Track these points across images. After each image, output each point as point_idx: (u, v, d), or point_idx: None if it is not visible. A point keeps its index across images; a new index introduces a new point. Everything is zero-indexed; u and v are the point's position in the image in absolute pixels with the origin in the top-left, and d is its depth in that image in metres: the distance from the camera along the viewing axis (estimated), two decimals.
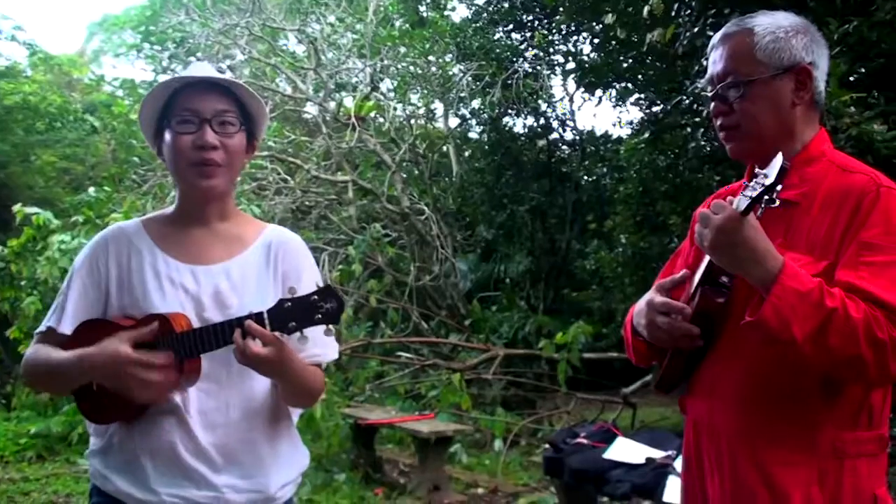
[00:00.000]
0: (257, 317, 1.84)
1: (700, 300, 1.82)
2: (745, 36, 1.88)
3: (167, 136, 2.05)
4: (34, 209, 8.71)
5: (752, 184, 1.63)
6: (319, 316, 1.81)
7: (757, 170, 1.68)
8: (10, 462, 7.82)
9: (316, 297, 1.82)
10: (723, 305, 1.82)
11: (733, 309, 1.79)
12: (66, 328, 2.02)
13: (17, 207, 8.63)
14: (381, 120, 12.30)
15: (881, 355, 1.59)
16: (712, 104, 1.94)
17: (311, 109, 12.58)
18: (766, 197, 1.61)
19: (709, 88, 1.96)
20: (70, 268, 2.14)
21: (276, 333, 1.85)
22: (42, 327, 2.07)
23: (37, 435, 8.15)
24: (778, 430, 1.76)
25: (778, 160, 1.60)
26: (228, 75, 2.37)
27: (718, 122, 1.94)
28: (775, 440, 1.76)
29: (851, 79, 5.81)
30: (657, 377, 2.03)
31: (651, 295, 1.93)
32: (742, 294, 1.76)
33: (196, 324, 1.96)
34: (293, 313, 1.82)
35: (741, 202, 1.63)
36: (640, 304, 1.96)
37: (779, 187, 1.60)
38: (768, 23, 1.88)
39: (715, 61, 1.93)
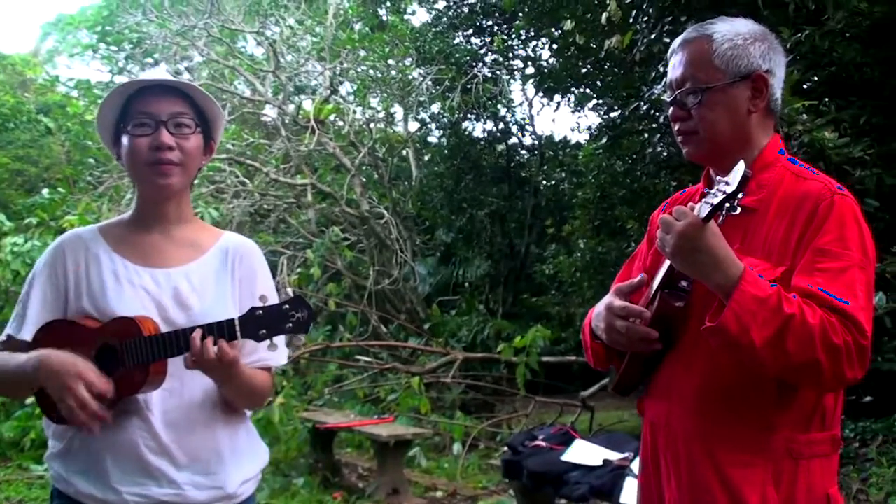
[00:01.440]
0: (228, 324, 1.86)
1: (659, 304, 1.84)
2: (704, 42, 1.91)
3: (124, 139, 2.07)
4: None
5: (713, 191, 1.65)
6: (290, 325, 1.84)
7: (718, 177, 1.70)
8: None
9: (287, 306, 1.84)
10: (682, 310, 1.84)
11: (692, 313, 1.82)
12: (27, 335, 2.02)
13: None
14: (341, 123, 12.28)
15: (836, 360, 1.62)
16: (671, 109, 1.97)
17: (269, 112, 12.50)
18: (728, 204, 1.64)
19: (668, 93, 1.99)
20: (28, 276, 2.14)
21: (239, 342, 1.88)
22: (2, 336, 2.07)
23: None
24: (734, 432, 1.79)
25: (740, 168, 1.62)
26: (186, 77, 2.38)
27: (676, 127, 1.96)
28: (731, 442, 1.79)
29: (804, 87, 5.92)
30: (615, 380, 2.04)
31: (610, 298, 1.94)
32: (700, 298, 1.79)
33: (160, 325, 1.97)
34: (264, 321, 1.85)
35: (702, 209, 1.66)
36: (599, 308, 1.98)
37: (740, 195, 1.63)
38: (727, 30, 1.91)
39: (674, 66, 1.96)
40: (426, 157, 14.48)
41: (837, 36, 5.66)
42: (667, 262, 1.81)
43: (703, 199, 1.67)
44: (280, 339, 1.92)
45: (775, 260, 1.77)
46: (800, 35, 5.48)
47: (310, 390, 9.03)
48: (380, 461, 6.66)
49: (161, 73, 2.19)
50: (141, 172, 2.07)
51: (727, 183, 1.63)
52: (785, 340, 1.61)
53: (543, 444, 5.09)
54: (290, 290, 1.90)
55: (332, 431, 7.31)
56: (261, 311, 1.84)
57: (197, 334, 1.86)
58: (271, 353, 1.97)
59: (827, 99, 5.62)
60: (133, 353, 1.90)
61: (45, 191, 9.68)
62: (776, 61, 1.92)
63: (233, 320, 1.86)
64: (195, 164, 2.13)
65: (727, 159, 1.76)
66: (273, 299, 1.90)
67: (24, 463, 7.64)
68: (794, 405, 1.77)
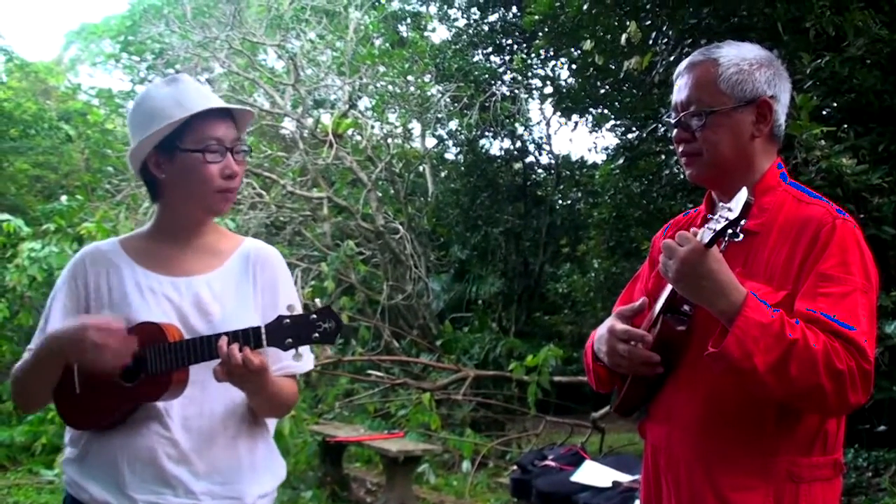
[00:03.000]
0: (255, 331, 1.86)
1: (661, 328, 1.84)
2: (709, 66, 1.91)
3: (185, 158, 2.03)
4: (5, 216, 8.60)
5: (716, 217, 1.66)
6: (317, 335, 1.84)
7: (721, 203, 1.70)
8: None
9: (315, 315, 1.84)
10: (683, 333, 1.84)
11: (694, 337, 1.82)
12: None
13: None
14: (359, 138, 12.31)
15: (840, 385, 1.61)
16: (675, 130, 1.97)
17: (288, 125, 12.57)
18: (730, 231, 1.64)
19: (673, 115, 2.00)
20: (52, 291, 2.13)
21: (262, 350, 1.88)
22: (25, 353, 2.07)
23: None
24: (735, 456, 1.78)
25: (742, 195, 1.62)
26: (207, 88, 2.38)
27: (680, 149, 1.96)
28: (732, 465, 1.78)
29: (823, 113, 5.90)
30: (616, 401, 2.04)
31: (612, 322, 1.94)
32: (702, 322, 1.78)
33: (182, 333, 1.97)
34: (291, 330, 1.84)
35: (705, 235, 1.65)
36: (601, 331, 1.98)
37: (743, 222, 1.63)
38: (733, 54, 1.91)
39: (680, 89, 1.97)
40: (443, 174, 14.50)
41: (858, 63, 5.63)
42: (669, 287, 1.80)
43: (706, 225, 1.67)
44: (305, 347, 1.91)
45: (777, 284, 1.77)
46: (820, 61, 5.46)
47: (320, 403, 9.04)
48: (388, 476, 6.64)
49: (202, 90, 2.17)
50: (206, 196, 2.06)
51: (730, 209, 1.63)
52: (788, 366, 1.61)
53: (553, 464, 5.07)
54: (318, 301, 1.91)
55: (342, 445, 7.31)
56: (288, 320, 1.84)
57: (223, 340, 1.86)
58: (297, 361, 1.98)
59: (846, 125, 5.59)
60: (157, 359, 1.90)
61: (63, 198, 9.76)
62: (781, 87, 1.92)
63: (259, 328, 1.86)
64: None
65: (729, 182, 1.76)
66: (297, 305, 1.90)
67: (34, 468, 7.69)
68: (796, 429, 1.76)
